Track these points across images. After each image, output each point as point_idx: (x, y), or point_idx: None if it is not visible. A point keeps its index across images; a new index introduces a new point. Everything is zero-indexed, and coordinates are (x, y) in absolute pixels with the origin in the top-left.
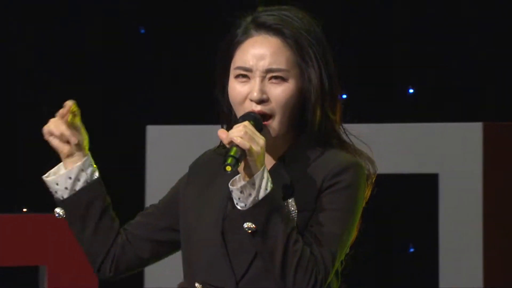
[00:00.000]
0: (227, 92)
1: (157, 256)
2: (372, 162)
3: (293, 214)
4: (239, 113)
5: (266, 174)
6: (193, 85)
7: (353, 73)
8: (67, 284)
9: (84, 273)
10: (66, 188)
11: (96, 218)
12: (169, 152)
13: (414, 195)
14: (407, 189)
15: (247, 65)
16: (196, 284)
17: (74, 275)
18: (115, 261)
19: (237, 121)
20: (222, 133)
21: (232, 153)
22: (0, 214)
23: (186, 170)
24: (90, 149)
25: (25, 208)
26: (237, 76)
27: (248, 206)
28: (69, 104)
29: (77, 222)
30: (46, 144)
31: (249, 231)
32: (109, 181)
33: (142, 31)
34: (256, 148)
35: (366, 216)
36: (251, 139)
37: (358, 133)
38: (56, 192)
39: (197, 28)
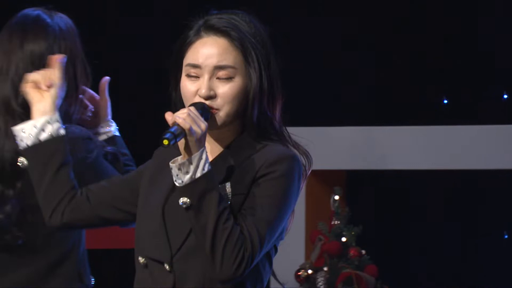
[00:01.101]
0: (179, 89)
1: (112, 220)
2: (307, 156)
3: (228, 197)
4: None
5: (204, 156)
6: (320, 84)
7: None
8: None
9: None
10: (30, 135)
11: (55, 169)
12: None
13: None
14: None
15: (196, 62)
16: (139, 258)
17: None
18: (66, 212)
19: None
20: (168, 115)
21: (171, 129)
22: None
23: (311, 174)
24: None
25: None
26: (187, 75)
27: (185, 182)
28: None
29: (38, 169)
30: None
31: (184, 206)
32: None
33: None
34: (196, 129)
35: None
36: (193, 121)
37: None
38: (21, 140)
39: (284, 30)
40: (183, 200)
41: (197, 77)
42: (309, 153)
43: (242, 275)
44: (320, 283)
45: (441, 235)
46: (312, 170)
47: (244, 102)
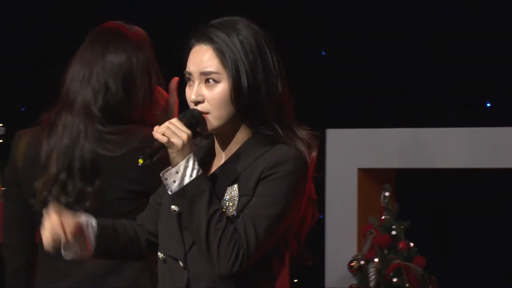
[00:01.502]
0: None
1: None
2: (314, 144)
3: (236, 198)
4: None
5: (191, 163)
6: (371, 90)
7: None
8: None
9: None
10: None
11: (118, 245)
12: (348, 155)
13: None
14: None
15: (188, 70)
16: (159, 254)
17: None
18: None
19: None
20: (155, 129)
21: (147, 148)
22: None
23: (364, 172)
24: None
25: None
26: (186, 81)
27: (173, 191)
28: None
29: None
30: None
31: (175, 213)
32: None
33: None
34: (176, 141)
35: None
36: (173, 133)
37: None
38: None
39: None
40: (173, 208)
41: (192, 83)
42: (314, 139)
43: (241, 269)
44: (371, 273)
45: (482, 229)
46: (364, 169)
47: (236, 106)
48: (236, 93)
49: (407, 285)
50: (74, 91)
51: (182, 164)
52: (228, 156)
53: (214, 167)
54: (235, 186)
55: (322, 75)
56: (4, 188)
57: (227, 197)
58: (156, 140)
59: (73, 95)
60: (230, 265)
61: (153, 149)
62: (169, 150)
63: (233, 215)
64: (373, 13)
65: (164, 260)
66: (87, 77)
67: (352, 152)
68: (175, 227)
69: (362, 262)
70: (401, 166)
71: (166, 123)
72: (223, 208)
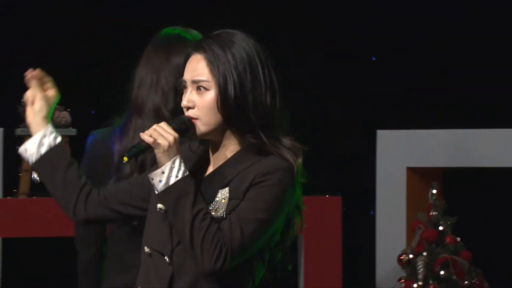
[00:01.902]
0: None
1: (132, 216)
2: (298, 152)
3: (225, 201)
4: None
5: (177, 164)
6: (419, 92)
7: None
8: (321, 254)
9: (334, 245)
10: (32, 154)
11: (62, 173)
12: (397, 155)
13: None
14: None
15: (184, 78)
16: (145, 248)
17: (326, 246)
18: (88, 207)
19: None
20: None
21: (134, 146)
22: None
23: (412, 171)
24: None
25: None
26: (183, 88)
27: (159, 190)
28: (34, 73)
29: (47, 180)
30: None
31: (161, 212)
32: (340, 182)
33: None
34: (163, 142)
35: None
36: (159, 135)
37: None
38: (27, 159)
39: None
40: (159, 206)
41: (186, 89)
42: (296, 147)
43: (223, 267)
44: (420, 266)
45: None
46: (413, 168)
47: (225, 113)
48: (223, 101)
49: (454, 277)
50: (143, 96)
51: (168, 165)
52: (221, 162)
53: (208, 172)
54: (227, 189)
55: (372, 80)
56: None
57: (218, 199)
58: (142, 140)
59: (142, 100)
60: (213, 262)
61: (139, 148)
62: (156, 151)
63: (222, 216)
64: (418, 19)
65: (149, 255)
66: (155, 82)
67: (401, 152)
68: (164, 223)
69: (411, 256)
70: (448, 165)
71: (154, 126)
72: (214, 208)
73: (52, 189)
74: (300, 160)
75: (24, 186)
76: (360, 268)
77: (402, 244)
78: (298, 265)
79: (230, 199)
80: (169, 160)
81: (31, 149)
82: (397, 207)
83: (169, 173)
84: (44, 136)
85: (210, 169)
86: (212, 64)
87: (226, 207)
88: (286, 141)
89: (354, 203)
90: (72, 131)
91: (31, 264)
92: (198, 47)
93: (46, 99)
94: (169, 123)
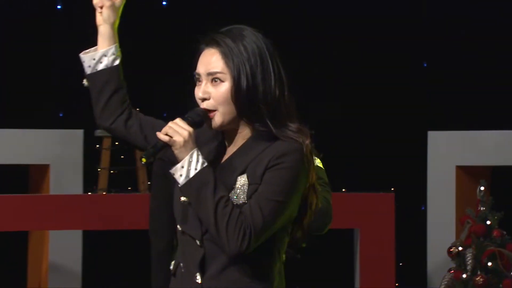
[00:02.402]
0: None
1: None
2: (306, 133)
3: (245, 187)
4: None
5: (194, 157)
6: (468, 94)
7: None
8: (375, 246)
9: (387, 237)
10: (89, 66)
11: (108, 95)
12: (447, 154)
13: None
14: None
15: (197, 71)
16: (178, 226)
17: (380, 238)
18: (118, 120)
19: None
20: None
21: (152, 146)
22: None
23: (461, 169)
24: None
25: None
26: (195, 81)
27: (181, 184)
28: None
29: (94, 93)
30: None
31: (185, 203)
32: (393, 179)
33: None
34: (178, 138)
35: None
36: (174, 132)
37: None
38: (84, 68)
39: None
40: (182, 199)
41: (200, 82)
42: (304, 130)
43: (249, 248)
44: (469, 258)
45: None
46: (462, 166)
47: (239, 104)
48: (236, 92)
49: (500, 268)
50: None
51: (186, 159)
52: (235, 149)
53: (224, 160)
54: (244, 175)
55: (424, 85)
56: (152, 180)
57: (237, 185)
58: (159, 139)
59: None
60: (239, 245)
61: (156, 147)
62: (173, 148)
63: (244, 202)
64: (467, 24)
65: (182, 232)
66: None
67: (451, 151)
68: (193, 212)
69: (460, 248)
70: (495, 164)
71: (170, 123)
72: (235, 195)
73: (96, 100)
74: (307, 142)
75: (102, 183)
76: (412, 259)
77: (451, 237)
78: (354, 257)
79: (249, 184)
80: (187, 155)
81: (89, 62)
82: (447, 203)
83: (188, 166)
84: (104, 55)
85: (226, 157)
86: (227, 57)
87: (246, 193)
88: (294, 126)
89: (407, 199)
90: None
91: (109, 255)
92: (211, 42)
93: (113, 7)
94: (184, 117)
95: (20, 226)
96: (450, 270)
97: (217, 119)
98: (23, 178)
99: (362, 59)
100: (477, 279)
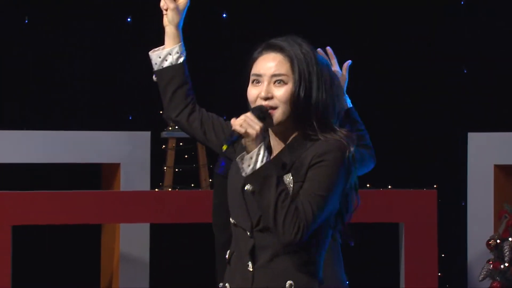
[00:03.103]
0: (247, 93)
1: (205, 140)
2: (352, 139)
3: (291, 185)
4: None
5: (262, 151)
6: (507, 98)
7: None
8: (419, 239)
9: (430, 231)
10: (156, 63)
11: (173, 90)
12: (485, 153)
13: None
14: None
15: (259, 72)
16: (231, 219)
17: (424, 232)
18: (183, 113)
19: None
20: (232, 121)
21: (230, 136)
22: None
23: (499, 167)
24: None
25: (368, 184)
26: (252, 82)
27: (247, 173)
28: None
29: (161, 88)
30: None
31: (249, 191)
32: (436, 177)
33: None
34: (251, 131)
35: None
36: (248, 125)
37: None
38: (152, 64)
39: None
40: (247, 187)
41: (258, 83)
42: (351, 136)
43: (302, 239)
44: (506, 250)
45: None
46: (499, 165)
47: (296, 105)
48: (296, 94)
49: None
50: None
51: (255, 151)
52: (279, 149)
53: (271, 157)
54: (289, 174)
55: (464, 90)
56: (214, 179)
57: (286, 182)
58: (234, 130)
59: None
60: (293, 237)
61: (232, 137)
62: (245, 139)
63: (290, 197)
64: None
65: (235, 225)
66: None
67: (489, 151)
68: (242, 203)
69: (498, 241)
70: None
71: (243, 116)
72: None
73: (163, 94)
74: (352, 149)
75: (168, 180)
76: (453, 251)
77: (490, 231)
78: (399, 248)
79: (294, 182)
80: (256, 147)
81: (156, 60)
82: (485, 199)
83: (256, 158)
84: (169, 54)
85: (272, 154)
86: (291, 62)
87: (292, 190)
88: (342, 131)
89: (448, 196)
90: None
91: (174, 246)
92: (271, 47)
93: (177, 9)
94: (252, 112)
95: (93, 219)
96: (489, 261)
97: (277, 116)
98: (96, 176)
99: (412, 68)
100: None
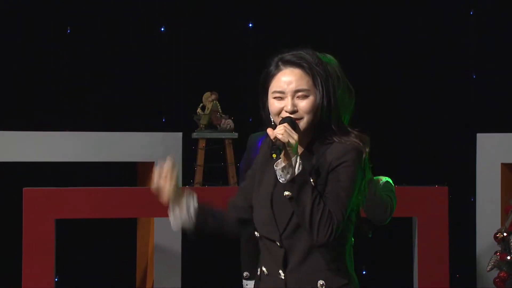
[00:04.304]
0: (267, 107)
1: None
2: (366, 141)
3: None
4: (276, 120)
5: (298, 159)
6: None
7: None
8: (431, 232)
9: (441, 225)
10: (174, 225)
11: (207, 232)
12: (493, 152)
13: None
14: None
15: (281, 89)
16: (256, 232)
17: (436, 226)
18: (240, 226)
19: (280, 123)
20: (270, 131)
21: (277, 146)
22: None
23: (506, 166)
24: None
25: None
26: (274, 97)
27: (287, 180)
28: (168, 166)
29: (200, 237)
30: None
31: (288, 197)
32: (447, 175)
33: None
34: (291, 141)
35: None
36: (289, 135)
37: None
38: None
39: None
40: (286, 193)
41: (281, 98)
42: (365, 137)
43: (333, 239)
44: None
45: None
46: (506, 163)
47: (317, 114)
48: (318, 105)
49: None
50: None
51: (293, 160)
52: (300, 151)
53: None
54: (313, 176)
55: (473, 94)
56: (240, 176)
57: None
58: (278, 139)
59: None
60: (327, 237)
61: (280, 147)
62: (287, 148)
63: (323, 200)
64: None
65: (260, 238)
66: None
67: (496, 150)
68: (269, 214)
69: (505, 234)
70: None
71: (281, 127)
72: None
73: (211, 235)
74: (368, 149)
75: (198, 177)
76: (463, 243)
77: (497, 224)
78: (412, 241)
79: (317, 185)
80: (294, 156)
81: (174, 223)
82: (493, 195)
83: (293, 166)
84: (188, 208)
85: None
86: (312, 75)
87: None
88: (356, 133)
89: (459, 192)
90: (235, 135)
91: (204, 238)
92: (290, 63)
93: (172, 190)
94: (283, 123)
95: (130, 214)
96: (496, 252)
97: (302, 126)
98: (132, 173)
99: (427, 75)
100: None
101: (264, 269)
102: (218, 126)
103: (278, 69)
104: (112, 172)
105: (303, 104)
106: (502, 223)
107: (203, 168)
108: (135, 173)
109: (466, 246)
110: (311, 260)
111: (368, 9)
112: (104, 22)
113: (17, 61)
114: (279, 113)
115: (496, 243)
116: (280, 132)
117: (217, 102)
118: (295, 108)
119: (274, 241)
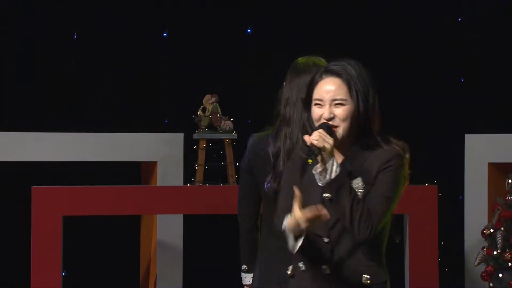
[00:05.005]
0: (311, 113)
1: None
2: (406, 149)
3: (361, 188)
4: (317, 125)
5: (335, 162)
6: (500, 104)
7: None
8: (421, 229)
9: (431, 222)
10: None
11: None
12: (481, 152)
13: None
14: None
15: (321, 97)
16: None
17: (426, 222)
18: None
19: (316, 128)
20: (306, 137)
21: (313, 151)
22: None
23: (493, 165)
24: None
25: None
26: (315, 104)
27: (324, 183)
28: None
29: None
30: None
31: (328, 199)
32: (436, 174)
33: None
34: (327, 146)
35: None
36: (324, 140)
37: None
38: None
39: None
40: (325, 195)
41: (321, 105)
42: (405, 146)
43: (373, 235)
44: (499, 238)
45: None
46: (493, 163)
47: (354, 121)
48: (356, 113)
49: None
50: (290, 112)
51: (330, 163)
52: (339, 159)
53: None
54: (359, 179)
55: (461, 97)
56: (240, 175)
57: (354, 187)
58: (313, 144)
59: (290, 114)
60: (367, 234)
61: (315, 152)
62: (322, 153)
63: (362, 200)
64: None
65: (307, 236)
66: (299, 100)
67: (484, 150)
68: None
69: (491, 230)
70: None
71: (317, 133)
72: None
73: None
74: (407, 156)
75: (199, 176)
76: (452, 239)
77: (484, 221)
78: (404, 237)
79: (364, 185)
80: (330, 160)
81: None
82: (480, 193)
83: (331, 169)
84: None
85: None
86: (349, 86)
87: (363, 192)
88: (399, 142)
89: (448, 190)
90: (234, 135)
91: (205, 234)
92: (332, 72)
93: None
94: (318, 129)
95: (133, 211)
96: (483, 248)
97: (339, 132)
98: (136, 173)
99: (415, 77)
100: (506, 255)
101: (300, 265)
102: (218, 127)
103: (321, 77)
104: (117, 171)
105: (339, 112)
106: (489, 220)
107: (203, 167)
108: (139, 172)
109: (455, 241)
110: (356, 256)
111: (363, 12)
112: (109, 25)
113: (26, 64)
114: (318, 119)
115: (483, 239)
116: (315, 138)
117: (217, 104)
118: (332, 115)
119: (321, 237)
